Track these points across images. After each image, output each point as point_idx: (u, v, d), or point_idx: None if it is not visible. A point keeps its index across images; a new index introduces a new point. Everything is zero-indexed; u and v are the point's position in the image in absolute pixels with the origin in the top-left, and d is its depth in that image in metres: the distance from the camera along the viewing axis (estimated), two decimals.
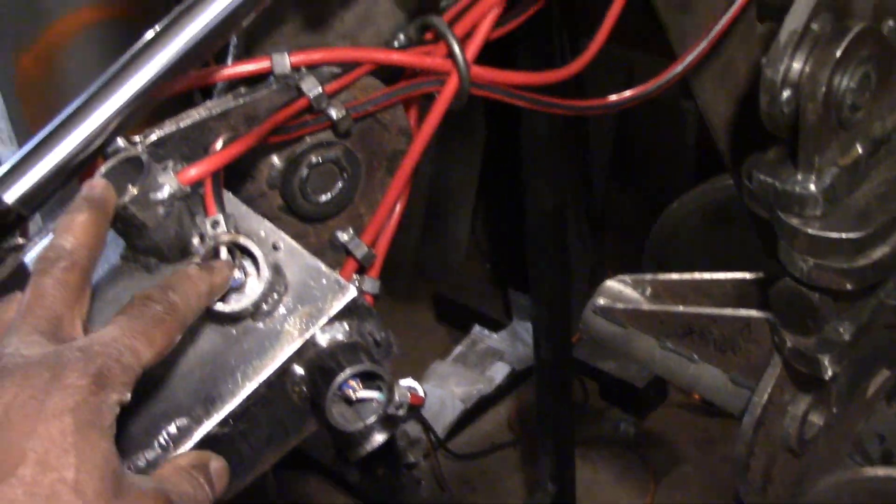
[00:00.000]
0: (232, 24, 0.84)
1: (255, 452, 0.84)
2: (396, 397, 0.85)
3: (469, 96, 1.01)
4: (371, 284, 1.06)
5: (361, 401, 0.83)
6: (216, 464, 0.79)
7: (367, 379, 0.83)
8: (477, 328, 3.51)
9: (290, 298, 0.83)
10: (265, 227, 0.85)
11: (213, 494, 0.77)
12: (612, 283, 1.49)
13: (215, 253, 0.80)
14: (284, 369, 0.82)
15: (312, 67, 0.96)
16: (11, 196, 0.80)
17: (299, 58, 0.94)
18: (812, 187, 1.08)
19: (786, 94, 1.04)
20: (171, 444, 0.80)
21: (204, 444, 0.81)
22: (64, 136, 0.81)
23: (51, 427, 0.64)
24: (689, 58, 1.10)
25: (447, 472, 3.14)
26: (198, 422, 0.81)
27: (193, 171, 0.82)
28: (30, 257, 0.89)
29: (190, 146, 0.92)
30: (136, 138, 0.90)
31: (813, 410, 1.25)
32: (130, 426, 0.81)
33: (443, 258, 3.83)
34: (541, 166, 2.11)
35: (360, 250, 1.04)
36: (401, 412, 0.86)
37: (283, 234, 0.85)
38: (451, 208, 3.78)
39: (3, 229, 0.82)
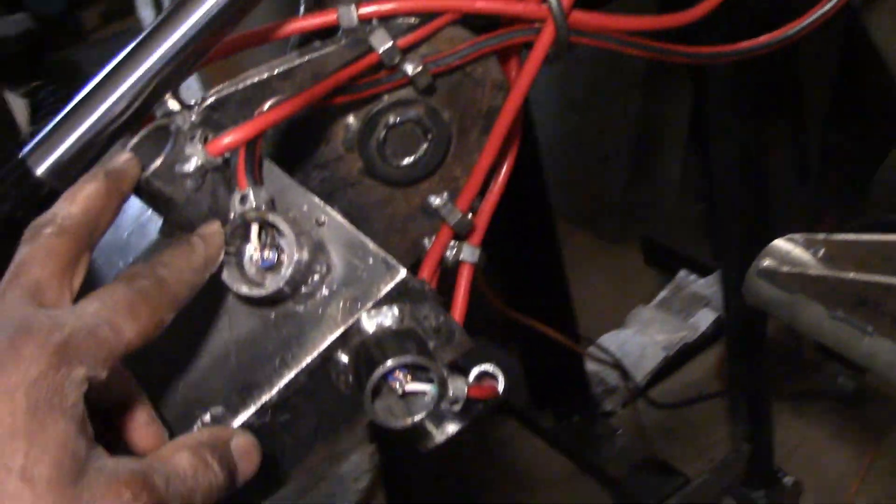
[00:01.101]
0: None
1: (301, 444, 0.78)
2: (451, 391, 0.76)
3: (570, 45, 0.89)
4: (470, 253, 0.96)
5: (412, 393, 0.75)
6: (241, 440, 0.71)
7: (419, 370, 0.74)
8: (683, 272, 3.33)
9: (334, 279, 0.76)
10: (309, 201, 0.77)
11: (233, 476, 0.68)
12: (780, 243, 1.34)
13: (244, 231, 0.73)
14: (327, 357, 0.75)
15: (386, 19, 0.86)
16: (43, 168, 0.76)
17: (368, 9, 0.85)
18: None
19: None
20: None
21: None
22: (99, 101, 0.76)
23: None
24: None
25: (648, 422, 3.01)
26: (234, 411, 0.75)
27: (226, 141, 0.75)
28: None
29: (253, 109, 0.85)
30: (193, 100, 0.84)
31: None
32: (164, 414, 0.76)
33: (652, 199, 3.66)
34: (724, 114, 1.94)
35: (454, 216, 0.94)
36: (456, 407, 0.77)
37: (328, 209, 0.77)
38: (662, 146, 3.59)
39: (36, 204, 0.77)
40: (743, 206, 2.11)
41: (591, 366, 2.96)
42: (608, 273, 3.57)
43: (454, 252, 0.96)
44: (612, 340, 3.11)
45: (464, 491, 2.90)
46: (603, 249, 3.66)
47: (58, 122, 0.76)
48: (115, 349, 0.63)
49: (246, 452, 0.70)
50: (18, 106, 3.09)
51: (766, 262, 1.31)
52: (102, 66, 0.76)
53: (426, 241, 0.97)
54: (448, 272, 0.98)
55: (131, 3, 3.61)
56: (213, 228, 0.74)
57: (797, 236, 1.33)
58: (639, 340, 3.07)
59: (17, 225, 0.77)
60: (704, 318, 3.16)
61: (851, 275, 1.21)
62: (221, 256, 0.73)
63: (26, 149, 0.77)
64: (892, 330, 1.18)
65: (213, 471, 0.67)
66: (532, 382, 2.89)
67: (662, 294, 3.31)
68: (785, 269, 1.28)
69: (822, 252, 1.30)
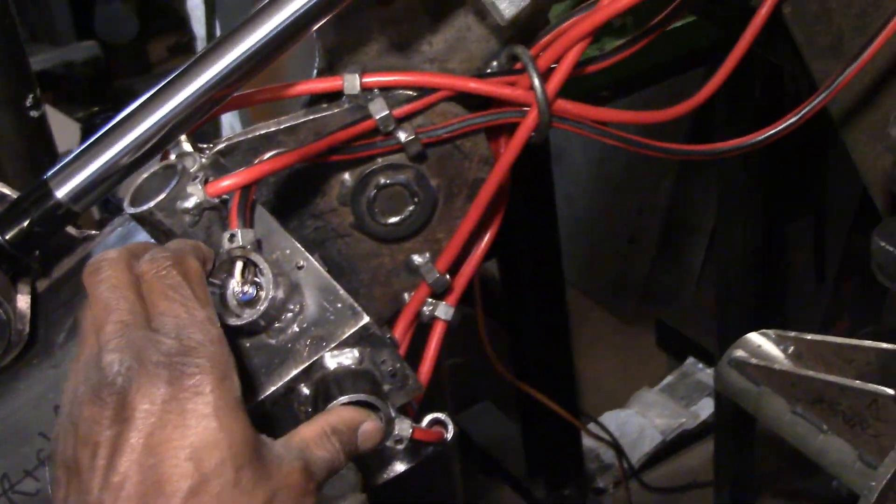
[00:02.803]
0: (284, 40, 0.85)
1: None
2: (396, 430, 0.84)
3: (549, 128, 0.97)
4: (444, 311, 1.04)
5: None
6: (369, 425, 0.81)
7: (368, 408, 0.82)
8: (691, 360, 3.39)
9: (305, 318, 0.84)
10: (291, 246, 0.86)
11: (352, 454, 0.80)
12: (753, 336, 1.40)
13: (229, 266, 0.82)
14: (291, 388, 0.83)
15: (386, 89, 0.96)
16: (64, 191, 0.85)
17: (371, 79, 0.95)
18: None
19: None
20: None
21: None
22: (119, 136, 0.86)
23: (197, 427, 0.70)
24: (817, 100, 1.02)
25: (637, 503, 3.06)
26: None
27: (224, 184, 0.84)
28: (98, 249, 0.95)
29: (257, 157, 0.95)
30: (205, 144, 0.94)
31: None
32: None
33: (672, 285, 3.73)
34: (730, 208, 2.01)
35: (432, 275, 1.03)
36: (400, 447, 0.85)
37: (307, 255, 0.86)
38: (687, 235, 3.67)
39: (56, 223, 0.87)
40: (744, 299, 2.17)
41: (588, 441, 3.01)
42: (620, 352, 3.63)
43: (430, 309, 1.04)
44: (612, 419, 3.17)
45: None
46: (618, 328, 3.72)
47: (81, 151, 0.86)
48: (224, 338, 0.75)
49: (371, 436, 0.82)
50: (71, 129, 3.22)
51: (738, 353, 1.38)
52: (126, 104, 0.86)
53: (406, 295, 1.05)
54: (423, 326, 1.06)
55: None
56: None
57: (770, 332, 1.39)
58: (639, 422, 3.13)
59: (35, 238, 0.87)
60: (706, 407, 3.21)
61: (811, 373, 1.27)
62: (211, 254, 0.83)
63: (50, 172, 0.86)
64: (844, 429, 1.23)
65: (339, 455, 0.79)
66: (529, 450, 2.95)
67: (668, 379, 3.37)
68: (754, 361, 1.35)
69: (791, 349, 1.37)
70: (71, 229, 0.96)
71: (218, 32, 2.41)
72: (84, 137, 3.21)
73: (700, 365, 3.37)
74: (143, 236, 0.94)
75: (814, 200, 3.14)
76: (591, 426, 3.09)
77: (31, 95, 1.26)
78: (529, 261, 2.57)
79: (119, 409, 0.69)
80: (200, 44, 3.06)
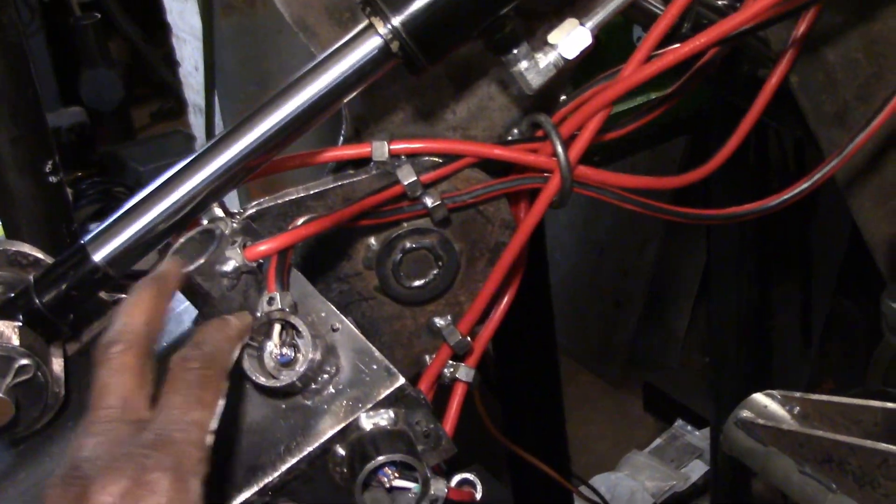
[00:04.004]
0: (317, 111, 0.87)
1: None
2: (432, 490, 0.85)
3: (570, 194, 1.00)
4: (465, 373, 1.06)
5: (397, 489, 0.84)
6: None
7: (406, 469, 0.83)
8: (679, 423, 3.41)
9: (340, 380, 0.86)
10: (326, 309, 0.88)
11: None
12: (759, 397, 1.42)
13: (268, 328, 0.83)
14: (327, 448, 0.84)
15: (413, 156, 0.98)
16: (100, 255, 0.87)
17: (399, 146, 0.97)
18: None
19: None
20: None
21: None
22: (156, 202, 0.87)
23: None
24: (827, 168, 1.05)
25: None
26: (238, 489, 0.84)
27: (261, 248, 0.86)
28: None
29: (288, 222, 0.97)
30: (237, 210, 0.96)
31: None
32: None
33: (658, 349, 3.75)
34: (725, 271, 2.04)
35: (454, 337, 1.04)
36: None
37: (342, 318, 0.88)
38: (672, 299, 3.70)
39: (92, 287, 0.88)
40: (738, 362, 2.20)
41: None
42: (608, 415, 3.64)
43: (452, 371, 1.06)
44: (603, 481, 3.16)
45: None
46: (606, 391, 3.74)
47: (118, 217, 0.87)
48: (208, 442, 0.74)
49: None
50: None
51: (744, 414, 1.40)
52: (156, 163, 0.88)
53: (427, 357, 1.07)
54: (444, 388, 1.07)
55: (181, 107, 3.80)
56: (241, 313, 0.85)
57: (775, 392, 1.41)
58: (629, 484, 3.13)
59: (71, 302, 0.88)
60: (696, 470, 3.22)
61: (820, 433, 1.29)
62: (249, 329, 0.84)
63: (88, 237, 0.88)
64: (854, 488, 1.25)
65: None
66: None
67: (657, 441, 3.38)
68: (761, 421, 1.37)
69: (797, 409, 1.39)
70: (102, 293, 0.97)
71: (216, 101, 2.44)
72: (74, 202, 3.21)
73: (689, 427, 3.39)
74: (175, 301, 0.95)
75: (800, 264, 3.19)
76: (583, 489, 3.08)
77: (50, 162, 1.28)
78: (522, 323, 2.58)
79: (79, 496, 0.70)
80: (193, 111, 3.09)
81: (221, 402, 0.77)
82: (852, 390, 2.81)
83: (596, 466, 3.33)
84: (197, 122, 3.25)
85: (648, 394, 3.64)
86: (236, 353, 0.81)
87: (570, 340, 3.83)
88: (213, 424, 0.75)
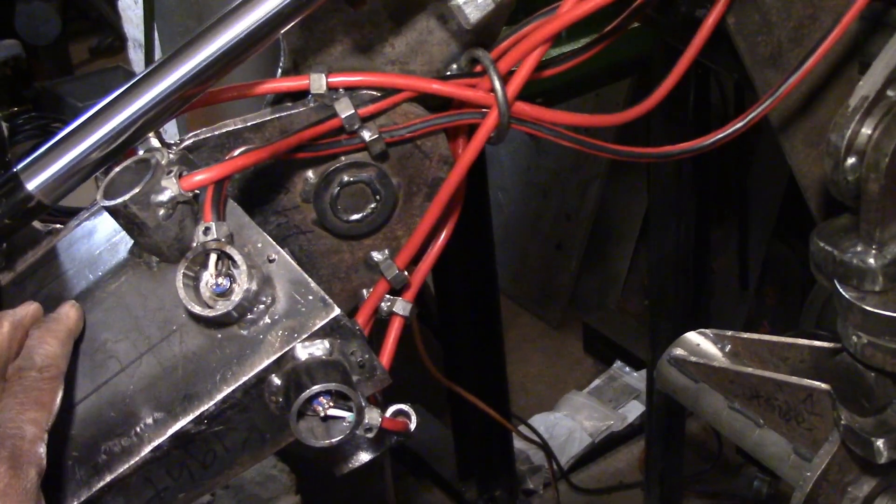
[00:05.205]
0: (254, 42, 0.86)
1: (230, 454, 0.87)
2: (366, 420, 0.86)
3: (508, 130, 1.01)
4: (402, 307, 1.07)
5: (332, 418, 0.85)
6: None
7: (341, 398, 0.84)
8: (618, 364, 3.46)
9: (276, 310, 0.86)
10: (263, 240, 0.88)
11: None
12: (692, 335, 1.45)
13: (203, 258, 0.84)
14: (262, 378, 0.85)
15: (351, 89, 0.98)
16: (34, 184, 0.86)
17: (337, 79, 0.97)
18: (871, 261, 1.04)
19: (850, 161, 1.01)
20: (147, 434, 0.85)
21: (177, 438, 0.85)
22: (91, 130, 0.87)
23: None
24: (760, 108, 1.07)
25: None
26: (174, 417, 0.85)
27: (197, 178, 0.86)
28: (63, 243, 0.96)
29: (225, 153, 0.96)
30: (172, 140, 0.95)
31: (884, 495, 1.19)
32: (111, 410, 0.86)
33: (599, 291, 3.80)
34: (663, 212, 2.07)
35: (391, 271, 1.05)
36: (369, 435, 0.88)
37: (279, 249, 0.88)
38: (613, 242, 3.74)
39: (25, 216, 0.87)
40: (675, 302, 2.23)
41: (519, 443, 3.06)
42: (548, 356, 3.69)
43: (389, 305, 1.07)
44: (542, 421, 3.22)
45: None
46: (546, 333, 3.78)
47: (52, 145, 0.86)
48: (44, 438, 0.80)
49: None
50: None
51: (677, 352, 1.42)
52: (95, 100, 0.87)
53: (365, 291, 1.08)
54: (381, 321, 1.08)
55: (120, 43, 3.73)
56: (69, 307, 0.89)
57: (708, 331, 1.44)
58: (568, 424, 3.18)
59: (4, 231, 0.87)
60: (633, 410, 3.28)
61: (749, 370, 1.32)
62: (80, 326, 0.89)
63: (21, 164, 0.87)
64: (780, 423, 1.29)
65: None
66: (460, 453, 2.98)
67: (596, 382, 3.44)
68: (693, 359, 1.40)
69: (728, 347, 1.42)
70: (36, 223, 0.96)
71: (156, 35, 2.41)
72: (10, 137, 3.16)
73: (627, 368, 3.45)
74: (107, 231, 0.95)
75: (737, 208, 3.23)
76: (522, 428, 3.14)
77: None
78: (463, 265, 2.60)
79: None
80: (133, 46, 3.04)
81: (58, 402, 0.83)
82: (787, 333, 2.87)
83: (535, 407, 3.38)
84: (137, 58, 3.20)
85: (588, 335, 3.69)
86: (69, 352, 0.86)
87: (511, 283, 3.86)
88: (49, 420, 0.81)
